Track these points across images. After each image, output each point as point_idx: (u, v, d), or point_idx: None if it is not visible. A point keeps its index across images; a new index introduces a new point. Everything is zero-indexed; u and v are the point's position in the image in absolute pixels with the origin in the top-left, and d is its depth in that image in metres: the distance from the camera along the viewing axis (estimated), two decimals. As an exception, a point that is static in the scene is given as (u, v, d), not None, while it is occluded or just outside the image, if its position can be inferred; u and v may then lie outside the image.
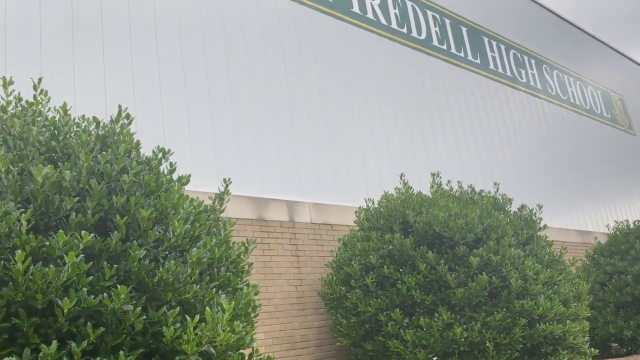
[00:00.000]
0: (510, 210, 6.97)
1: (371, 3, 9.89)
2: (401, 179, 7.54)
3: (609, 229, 10.82)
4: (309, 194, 7.69)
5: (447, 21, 11.40)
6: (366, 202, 7.23)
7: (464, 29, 11.75)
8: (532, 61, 13.67)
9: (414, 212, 6.50)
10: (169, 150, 3.70)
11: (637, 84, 19.12)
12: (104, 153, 3.24)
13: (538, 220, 6.86)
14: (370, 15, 9.79)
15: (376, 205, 7.08)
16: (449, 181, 7.63)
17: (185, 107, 6.77)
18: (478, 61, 11.82)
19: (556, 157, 13.30)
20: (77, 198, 2.99)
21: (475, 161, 10.74)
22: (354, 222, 7.16)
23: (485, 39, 12.35)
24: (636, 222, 9.94)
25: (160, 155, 3.66)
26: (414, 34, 10.53)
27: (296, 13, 8.61)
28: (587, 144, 14.69)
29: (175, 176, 3.82)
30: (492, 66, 12.19)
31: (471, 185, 7.59)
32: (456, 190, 7.37)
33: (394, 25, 10.18)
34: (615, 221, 10.41)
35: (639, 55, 18.80)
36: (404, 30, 10.34)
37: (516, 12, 14.20)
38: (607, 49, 18.25)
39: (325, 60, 8.71)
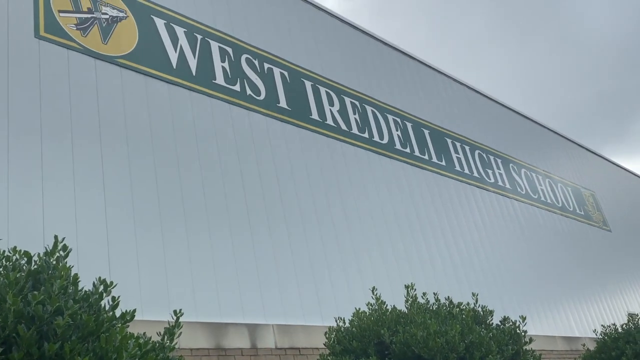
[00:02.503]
0: (492, 323, 6.77)
1: (330, 110, 10.09)
2: (373, 293, 7.33)
3: (596, 334, 10.65)
4: (273, 314, 7.38)
5: (409, 124, 11.69)
6: (336, 321, 6.94)
7: (426, 132, 12.05)
8: (499, 160, 14.01)
9: (390, 331, 6.25)
10: (112, 283, 3.46)
11: (606, 179, 19.74)
12: (36, 293, 3.00)
13: (523, 334, 6.66)
14: (330, 121, 9.95)
15: (347, 324, 6.80)
16: (424, 293, 7.43)
17: (133, 227, 6.56)
18: (443, 163, 12.04)
19: (533, 258, 13.30)
20: (1, 348, 2.71)
21: (450, 269, 10.63)
22: (324, 344, 6.84)
23: (449, 141, 12.66)
24: (624, 326, 9.80)
25: (101, 288, 3.42)
26: (376, 138, 10.71)
27: (254, 126, 8.68)
28: (563, 243, 14.81)
29: (118, 311, 3.56)
30: (458, 167, 12.41)
31: (448, 297, 7.41)
32: (433, 304, 7.17)
33: (354, 130, 10.36)
34: (602, 325, 10.26)
35: (605, 149, 19.65)
36: (365, 134, 10.52)
37: (478, 112, 14.72)
38: (572, 145, 18.94)
39: (285, 169, 8.70)
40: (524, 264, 12.85)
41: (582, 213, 16.60)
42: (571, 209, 16.14)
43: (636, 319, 9.47)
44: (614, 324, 10.18)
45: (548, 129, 17.92)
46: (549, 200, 15.26)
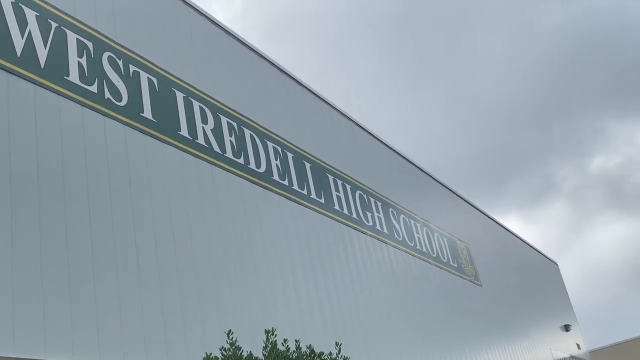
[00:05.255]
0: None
1: (203, 127, 9.37)
2: (228, 337, 6.91)
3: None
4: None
5: (290, 155, 11.18)
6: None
7: (307, 165, 11.59)
8: (379, 204, 13.83)
9: (240, 385, 5.56)
10: None
11: (482, 233, 20.29)
12: None
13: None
14: (201, 140, 9.22)
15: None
16: (285, 340, 6.91)
17: None
18: (322, 200, 11.61)
19: (405, 308, 13.15)
20: None
21: (317, 314, 10.11)
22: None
23: (331, 177, 12.29)
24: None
25: None
26: (252, 165, 10.09)
27: (110, 134, 7.78)
28: (435, 294, 14.82)
29: None
30: (337, 206, 12.04)
31: (310, 345, 6.95)
32: (293, 352, 6.74)
33: (229, 154, 9.69)
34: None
35: (483, 205, 20.35)
36: (241, 160, 9.88)
37: (364, 151, 14.54)
38: (453, 196, 19.34)
39: (143, 188, 7.84)
40: (395, 313, 12.64)
41: (456, 265, 16.81)
42: (445, 260, 16.28)
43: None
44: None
45: (432, 177, 18.16)
46: (424, 250, 15.27)
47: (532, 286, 23.27)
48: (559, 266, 27.92)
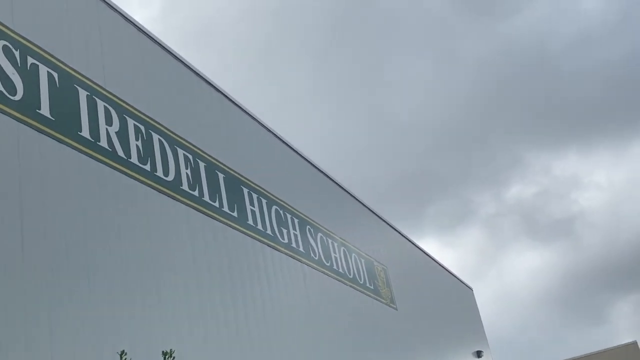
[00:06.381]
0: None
1: (107, 129, 8.84)
2: (122, 357, 6.53)
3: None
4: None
5: (202, 164, 10.75)
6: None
7: (220, 176, 11.19)
8: (296, 220, 13.55)
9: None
10: None
11: (400, 255, 20.33)
12: None
13: None
14: (104, 143, 8.69)
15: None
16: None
17: None
18: (235, 214, 11.22)
19: (317, 330, 12.88)
20: None
21: (223, 334, 9.69)
22: None
23: (246, 190, 11.92)
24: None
25: None
26: (160, 173, 9.61)
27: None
28: (350, 316, 14.64)
29: None
30: (251, 221, 11.67)
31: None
32: None
33: (134, 159, 9.18)
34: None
35: (402, 227, 20.49)
36: (147, 167, 9.39)
37: (282, 164, 14.25)
38: (373, 216, 19.30)
39: (35, 189, 7.26)
40: (308, 336, 12.36)
41: (372, 287, 16.71)
42: (362, 282, 16.15)
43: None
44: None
45: (352, 195, 18.06)
46: (341, 270, 15.09)
47: (447, 311, 23.52)
48: (474, 291, 28.44)
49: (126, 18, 10.15)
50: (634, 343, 36.10)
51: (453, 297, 25.18)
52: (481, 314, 27.94)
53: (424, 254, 23.21)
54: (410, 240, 22.11)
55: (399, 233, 21.16)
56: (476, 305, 28.04)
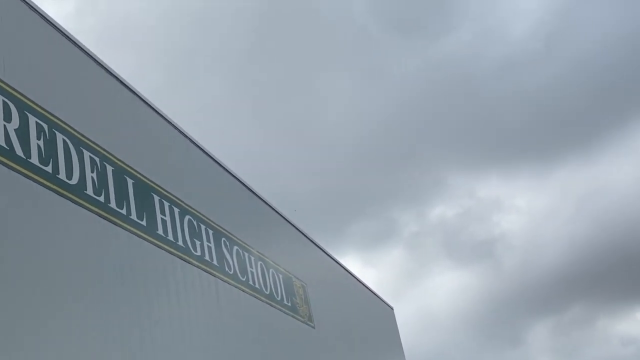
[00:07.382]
0: None
1: (5, 126, 8.23)
2: None
3: None
4: None
5: (110, 168, 10.20)
6: None
7: (130, 181, 10.65)
8: (210, 232, 13.10)
9: None
10: None
11: (321, 272, 20.12)
12: None
13: None
14: (0, 141, 8.07)
15: None
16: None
17: None
18: (144, 223, 10.70)
19: (232, 350, 12.48)
20: None
21: (127, 358, 9.17)
22: None
23: (157, 198, 11.41)
24: None
25: None
26: (62, 175, 9.03)
27: None
28: (266, 335, 14.28)
29: None
30: (161, 231, 11.16)
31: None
32: None
33: (34, 159, 8.59)
34: None
35: (324, 245, 20.36)
36: (49, 168, 8.80)
37: (198, 172, 13.78)
38: (295, 231, 19.02)
39: None
40: (220, 357, 11.93)
41: (290, 304, 16.40)
42: (279, 299, 15.81)
43: None
44: None
45: (272, 208, 17.73)
46: (257, 286, 14.71)
47: (367, 330, 23.45)
48: (395, 311, 28.55)
49: (31, 7, 9.56)
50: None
51: (373, 316, 25.16)
52: (401, 334, 28.06)
53: (345, 272, 23.11)
54: (331, 257, 21.96)
55: (321, 249, 20.97)
56: (396, 325, 28.13)
